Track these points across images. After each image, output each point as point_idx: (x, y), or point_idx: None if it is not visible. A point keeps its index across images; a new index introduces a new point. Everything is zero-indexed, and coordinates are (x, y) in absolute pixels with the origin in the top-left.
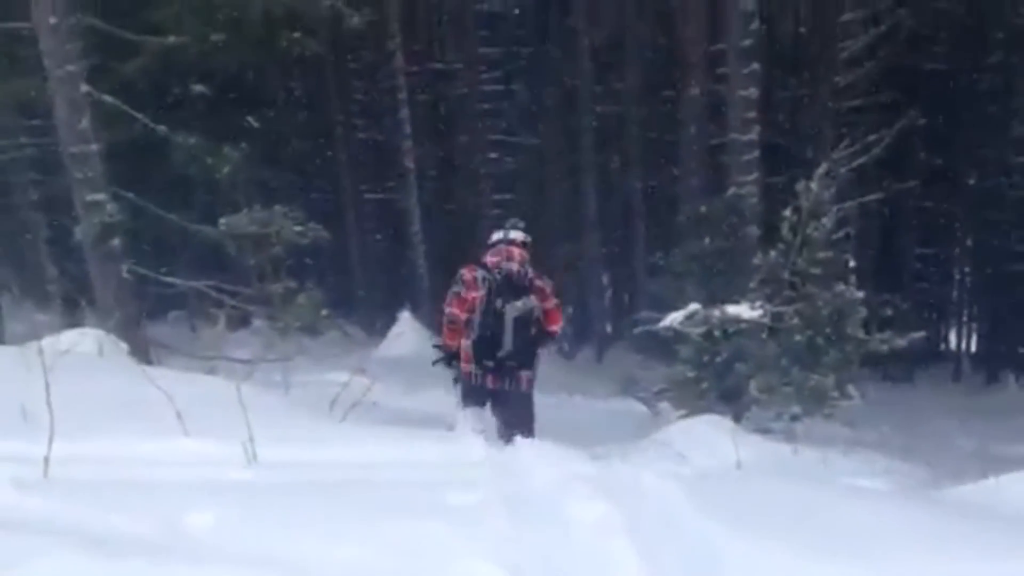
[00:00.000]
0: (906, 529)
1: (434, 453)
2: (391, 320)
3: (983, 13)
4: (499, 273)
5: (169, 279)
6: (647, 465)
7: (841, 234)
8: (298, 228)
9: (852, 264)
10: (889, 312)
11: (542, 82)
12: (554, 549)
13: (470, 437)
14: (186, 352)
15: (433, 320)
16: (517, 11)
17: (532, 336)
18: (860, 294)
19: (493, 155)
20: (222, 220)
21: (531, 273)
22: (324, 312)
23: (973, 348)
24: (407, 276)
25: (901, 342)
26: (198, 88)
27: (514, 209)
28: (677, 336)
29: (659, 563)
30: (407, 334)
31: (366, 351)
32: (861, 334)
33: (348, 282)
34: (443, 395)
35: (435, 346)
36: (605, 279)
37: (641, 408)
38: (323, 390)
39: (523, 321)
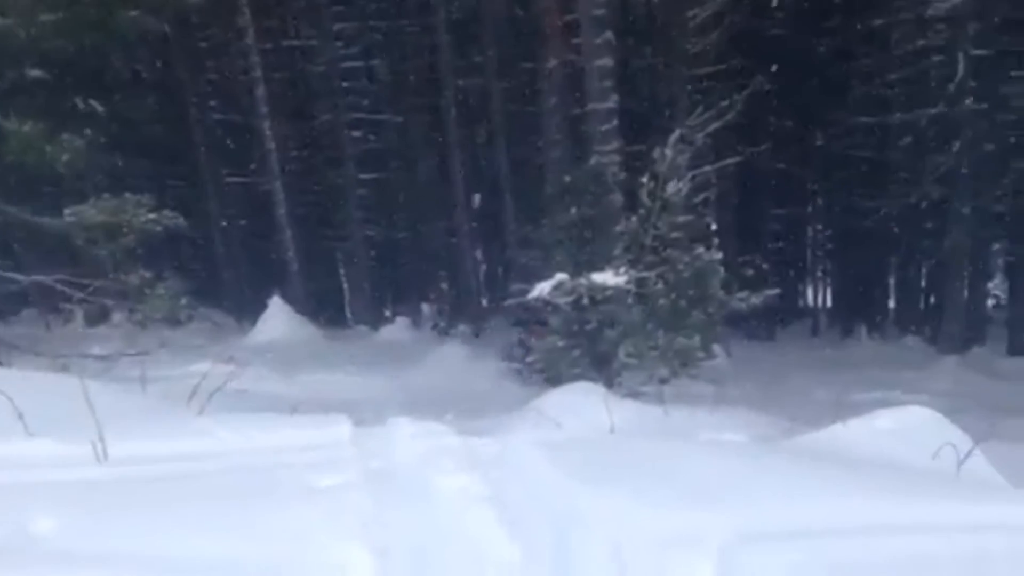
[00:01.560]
0: (759, 475)
1: (298, 437)
2: (262, 306)
3: None
4: None
5: (11, 275)
6: (522, 434)
7: (701, 198)
8: (151, 216)
9: (713, 227)
10: (750, 272)
11: (402, 58)
12: (421, 524)
13: (336, 418)
14: (39, 350)
15: (306, 303)
16: None
17: None
18: (718, 255)
19: (356, 133)
20: (68, 211)
21: None
22: (184, 301)
23: (829, 304)
24: (276, 260)
25: (757, 300)
26: (34, 73)
27: (383, 188)
28: (547, 306)
29: (523, 527)
30: (279, 319)
31: (237, 339)
32: (722, 294)
33: (214, 270)
34: (322, 378)
35: None
36: (479, 254)
37: (517, 380)
38: (187, 382)
39: None
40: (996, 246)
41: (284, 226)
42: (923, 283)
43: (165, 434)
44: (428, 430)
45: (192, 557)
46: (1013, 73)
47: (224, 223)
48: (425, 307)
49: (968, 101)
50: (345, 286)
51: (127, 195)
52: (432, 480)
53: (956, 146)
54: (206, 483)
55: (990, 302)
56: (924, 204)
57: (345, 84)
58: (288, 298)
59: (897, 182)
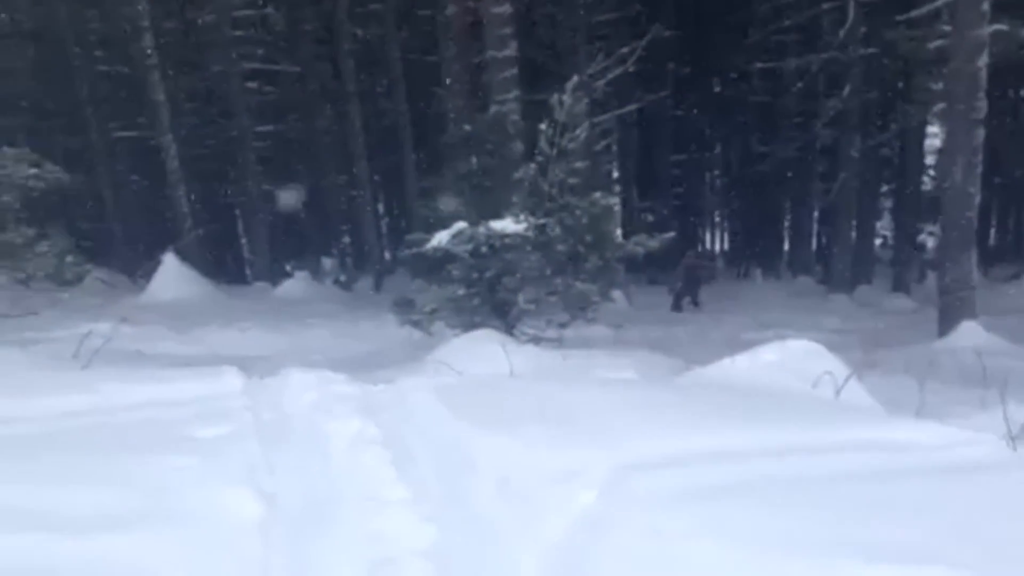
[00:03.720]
0: (645, 410)
1: (187, 390)
2: (156, 264)
3: None
4: None
5: None
6: (418, 380)
7: (602, 146)
8: (33, 171)
9: (615, 174)
10: (650, 217)
11: (297, 6)
12: (311, 468)
13: (226, 370)
14: None
15: (202, 260)
16: None
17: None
18: (614, 200)
19: (251, 84)
20: None
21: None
22: (71, 259)
23: (727, 247)
24: (170, 216)
25: (653, 244)
26: None
27: (280, 140)
28: (447, 256)
29: (414, 467)
30: (173, 276)
31: (131, 298)
32: (618, 239)
33: (105, 227)
34: (218, 336)
35: None
36: (380, 207)
37: (418, 331)
38: (76, 342)
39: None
40: (884, 188)
41: (177, 181)
42: (815, 226)
43: (45, 391)
44: (322, 379)
45: (63, 508)
46: (899, 18)
47: (113, 179)
48: (326, 261)
49: (857, 47)
50: (243, 241)
51: (6, 149)
52: (324, 426)
53: (846, 91)
54: (83, 437)
55: (877, 242)
56: (816, 148)
57: (238, 33)
58: (183, 255)
59: (790, 127)
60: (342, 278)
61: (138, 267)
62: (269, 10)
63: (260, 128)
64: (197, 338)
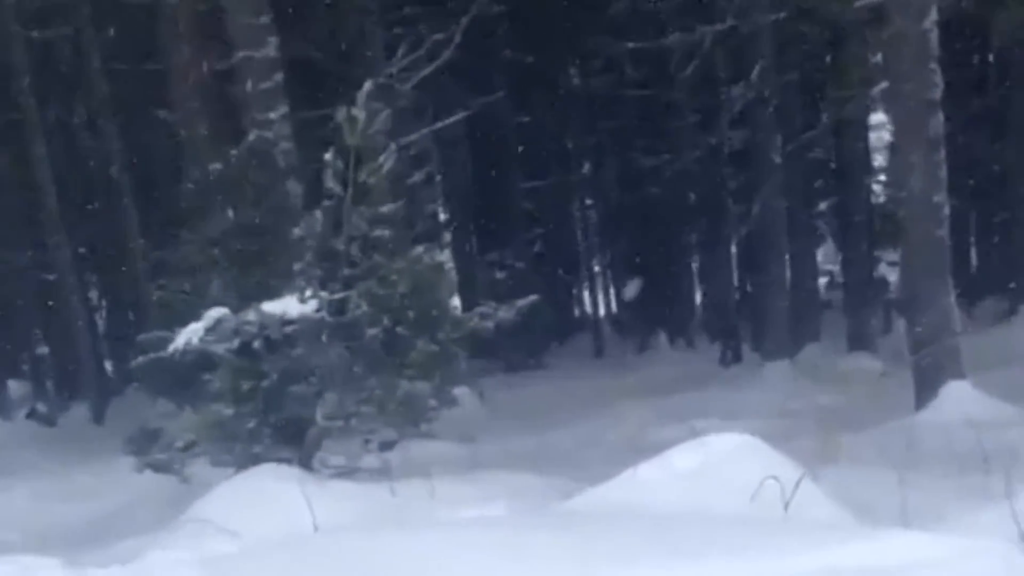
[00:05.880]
0: (517, 559)
1: None
2: None
3: None
4: None
5: None
6: (173, 554)
7: (418, 177)
8: None
9: (441, 216)
10: (501, 275)
11: None
12: None
13: None
14: None
15: None
16: None
17: None
18: (444, 255)
19: None
20: None
21: None
22: None
23: (615, 308)
24: None
25: (507, 314)
26: None
27: None
28: (203, 359)
29: None
30: None
31: None
32: (457, 311)
33: None
34: None
35: None
36: (94, 294)
37: (169, 477)
38: None
39: None
40: (822, 205)
41: None
42: (734, 267)
43: None
44: (20, 569)
45: None
46: None
47: None
48: (14, 386)
49: (764, 12)
50: None
51: None
52: None
53: (755, 73)
54: None
55: (822, 280)
56: (724, 155)
57: None
58: None
59: (685, 130)
60: (41, 408)
61: None
62: None
63: None
64: None
